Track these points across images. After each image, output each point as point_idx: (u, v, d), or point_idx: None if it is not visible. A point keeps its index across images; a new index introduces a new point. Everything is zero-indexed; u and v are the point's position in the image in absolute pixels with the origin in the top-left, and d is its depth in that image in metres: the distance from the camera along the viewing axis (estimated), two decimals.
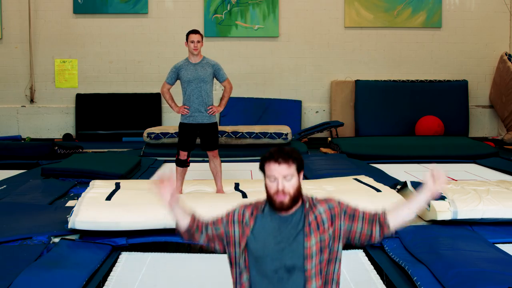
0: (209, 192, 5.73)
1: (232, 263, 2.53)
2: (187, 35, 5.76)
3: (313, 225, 2.44)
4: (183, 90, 5.77)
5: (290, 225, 2.43)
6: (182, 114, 5.79)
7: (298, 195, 2.42)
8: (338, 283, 2.54)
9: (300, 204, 2.45)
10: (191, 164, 6.25)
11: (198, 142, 5.90)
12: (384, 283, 3.91)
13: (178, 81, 5.89)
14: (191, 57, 5.76)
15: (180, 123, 5.85)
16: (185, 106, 5.74)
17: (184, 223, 2.58)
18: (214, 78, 5.85)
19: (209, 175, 6.45)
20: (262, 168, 2.45)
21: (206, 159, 8.17)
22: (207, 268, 4.18)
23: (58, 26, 12.53)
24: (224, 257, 4.41)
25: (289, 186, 2.38)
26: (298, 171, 2.42)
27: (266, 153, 2.43)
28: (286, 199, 2.38)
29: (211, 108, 5.75)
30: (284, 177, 2.38)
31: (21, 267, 3.86)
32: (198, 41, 5.70)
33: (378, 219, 2.58)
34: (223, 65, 6.09)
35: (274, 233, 2.43)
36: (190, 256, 4.50)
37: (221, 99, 6.00)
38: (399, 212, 2.62)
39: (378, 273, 4.10)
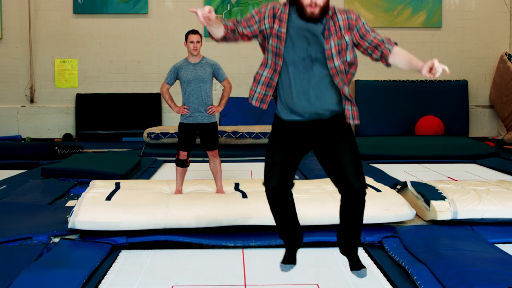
0: (209, 192, 5.73)
1: (267, 51, 2.99)
2: (186, 35, 5.77)
3: (332, 30, 2.88)
4: (182, 90, 5.78)
5: (315, 27, 2.86)
6: (181, 114, 5.80)
7: (327, 7, 2.80)
8: (349, 83, 3.10)
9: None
10: (191, 164, 6.25)
11: (198, 142, 5.90)
12: (384, 281, 3.91)
13: (178, 81, 5.90)
14: (191, 57, 5.77)
15: (180, 123, 5.86)
16: (185, 106, 5.75)
17: (220, 33, 2.93)
18: (214, 78, 5.87)
19: (209, 175, 6.45)
20: None
21: (206, 159, 8.17)
22: (208, 264, 4.18)
23: (58, 26, 12.54)
24: (226, 252, 4.43)
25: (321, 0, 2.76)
26: None
27: None
28: (316, 11, 2.77)
29: (211, 108, 5.76)
30: None
31: (21, 267, 3.86)
32: (198, 41, 5.72)
33: (381, 50, 3.03)
34: (223, 65, 6.10)
35: (303, 32, 2.86)
36: (191, 252, 4.51)
37: (221, 98, 6.00)
38: (402, 56, 3.00)
39: (378, 269, 4.11)
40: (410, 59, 2.96)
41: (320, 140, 3.09)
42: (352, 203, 3.09)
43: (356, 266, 3.20)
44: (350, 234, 3.20)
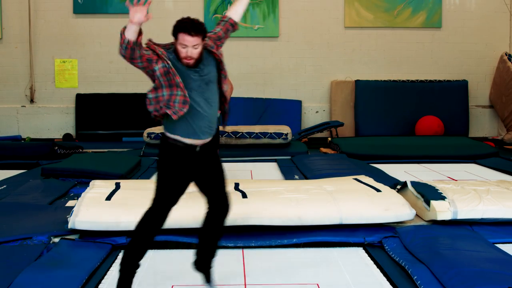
0: None
1: (165, 84, 3.23)
2: None
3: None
4: None
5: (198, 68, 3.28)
6: None
7: (200, 57, 3.23)
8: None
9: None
10: None
11: None
12: (384, 281, 3.91)
13: None
14: None
15: None
16: None
17: (135, 36, 3.09)
18: None
19: None
20: (175, 35, 3.22)
21: None
22: None
23: (58, 26, 12.54)
24: (226, 253, 4.42)
25: (196, 52, 3.18)
26: (203, 39, 3.20)
27: (180, 23, 3.19)
28: (191, 62, 3.21)
29: None
30: (193, 46, 3.17)
31: (21, 267, 3.86)
32: None
33: (230, 24, 3.66)
34: None
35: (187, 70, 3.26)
36: (191, 252, 4.49)
37: None
38: (237, 8, 3.70)
39: (377, 270, 4.10)
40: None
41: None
42: (223, 218, 3.54)
43: (210, 279, 3.62)
44: (213, 249, 3.62)
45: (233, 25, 3.66)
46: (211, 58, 3.37)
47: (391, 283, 3.81)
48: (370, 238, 4.65)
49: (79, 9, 12.46)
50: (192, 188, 5.88)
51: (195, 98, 3.25)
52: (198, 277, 3.77)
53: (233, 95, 9.71)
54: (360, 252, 4.48)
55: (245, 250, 4.49)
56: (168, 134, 3.33)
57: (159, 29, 12.64)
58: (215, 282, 3.58)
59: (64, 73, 12.65)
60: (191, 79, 3.24)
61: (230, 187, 5.76)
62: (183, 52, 3.18)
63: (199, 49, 3.19)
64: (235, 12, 3.68)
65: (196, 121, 3.28)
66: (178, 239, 4.61)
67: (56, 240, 4.54)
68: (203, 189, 3.49)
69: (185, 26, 3.15)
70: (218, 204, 3.48)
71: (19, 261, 4.00)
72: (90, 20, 12.56)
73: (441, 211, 4.93)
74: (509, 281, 3.44)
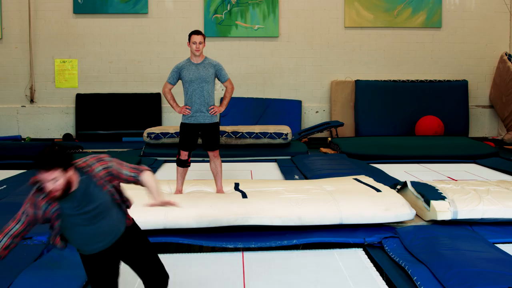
0: (209, 192, 5.72)
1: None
2: (190, 35, 5.73)
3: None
4: (184, 90, 5.76)
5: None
6: (183, 114, 5.79)
7: (68, 186, 2.88)
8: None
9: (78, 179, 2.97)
10: (191, 164, 6.24)
11: (199, 142, 5.89)
12: (384, 282, 3.91)
13: (179, 82, 5.88)
14: (193, 58, 5.75)
15: (182, 123, 5.84)
16: (187, 106, 5.73)
17: None
18: (216, 79, 5.85)
19: (209, 175, 6.44)
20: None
21: (205, 159, 8.17)
22: (208, 268, 4.18)
23: (58, 26, 12.54)
24: (226, 256, 4.42)
25: (58, 185, 2.83)
26: (66, 169, 2.86)
27: (37, 160, 2.84)
28: (58, 194, 2.85)
29: (213, 108, 5.75)
30: (50, 180, 2.82)
31: (21, 267, 3.87)
32: (200, 42, 5.68)
33: (135, 180, 3.23)
34: (223, 65, 6.09)
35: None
36: (191, 256, 4.50)
37: (223, 99, 5.99)
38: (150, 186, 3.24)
39: (377, 271, 4.10)
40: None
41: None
42: None
43: None
44: None
45: (136, 183, 3.30)
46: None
47: (391, 284, 3.81)
48: (370, 238, 4.65)
49: (79, 9, 12.47)
50: (191, 187, 5.90)
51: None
52: (198, 281, 3.77)
53: (233, 95, 9.72)
54: (360, 253, 4.47)
55: (245, 253, 4.48)
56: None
57: (159, 29, 12.69)
58: None
59: (64, 73, 12.65)
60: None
61: (230, 187, 5.79)
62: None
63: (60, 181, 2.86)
64: (146, 185, 3.28)
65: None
66: (178, 240, 4.61)
67: None
68: (135, 270, 3.34)
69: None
70: (152, 282, 3.32)
71: (19, 261, 4.00)
72: (90, 20, 12.56)
73: (441, 211, 4.93)
74: (509, 281, 3.44)
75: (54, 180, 2.84)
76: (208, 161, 6.04)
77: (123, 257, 3.25)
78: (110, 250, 3.15)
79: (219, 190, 5.79)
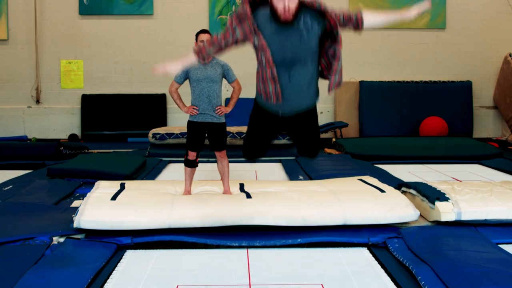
0: (215, 193, 5.75)
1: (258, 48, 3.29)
2: (197, 35, 5.75)
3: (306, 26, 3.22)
4: (192, 89, 5.78)
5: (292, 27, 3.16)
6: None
7: (297, 11, 3.12)
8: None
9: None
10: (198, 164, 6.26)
11: (207, 142, 5.91)
12: (388, 281, 3.92)
13: (186, 82, 5.90)
14: None
15: (189, 121, 5.83)
16: (194, 106, 5.74)
17: (193, 59, 3.40)
18: (224, 79, 5.87)
19: (215, 175, 6.47)
20: None
21: (211, 159, 8.21)
22: (213, 264, 4.21)
23: (63, 27, 12.60)
24: (231, 252, 4.45)
25: (293, 5, 3.06)
26: None
27: None
28: (290, 16, 3.07)
29: (219, 108, 5.76)
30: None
31: (22, 267, 3.88)
32: None
33: (355, 16, 3.30)
34: None
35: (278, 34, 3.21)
36: (196, 252, 4.53)
37: (230, 99, 6.02)
38: (375, 15, 3.37)
39: (381, 271, 4.12)
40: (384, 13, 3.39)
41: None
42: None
43: None
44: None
45: (358, 22, 3.36)
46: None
47: (395, 283, 3.83)
48: (374, 238, 4.67)
49: (84, 10, 12.52)
50: (199, 188, 5.93)
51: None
52: (203, 277, 3.80)
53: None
54: (364, 252, 4.50)
55: (250, 250, 4.51)
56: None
57: (164, 31, 12.73)
58: None
59: (69, 74, 12.70)
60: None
61: (235, 188, 5.82)
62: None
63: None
64: (371, 15, 3.38)
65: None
66: (183, 238, 4.64)
67: (62, 240, 4.58)
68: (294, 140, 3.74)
69: None
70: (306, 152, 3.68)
71: (21, 262, 4.02)
72: (96, 21, 12.61)
73: (445, 212, 4.94)
74: None
75: None
76: (213, 161, 6.06)
77: (291, 130, 3.61)
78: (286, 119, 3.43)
79: (226, 191, 5.80)
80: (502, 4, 12.85)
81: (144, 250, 4.51)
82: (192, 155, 5.82)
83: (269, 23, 3.21)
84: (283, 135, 9.76)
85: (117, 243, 4.50)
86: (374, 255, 4.41)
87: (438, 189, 5.35)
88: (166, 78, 12.25)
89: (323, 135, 12.06)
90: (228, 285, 3.80)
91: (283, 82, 3.28)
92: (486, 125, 13.14)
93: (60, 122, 12.74)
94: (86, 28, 12.63)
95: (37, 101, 12.68)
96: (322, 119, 12.76)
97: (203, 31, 5.75)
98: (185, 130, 7.92)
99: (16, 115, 12.68)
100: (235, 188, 5.84)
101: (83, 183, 7.07)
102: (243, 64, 12.63)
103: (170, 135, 9.81)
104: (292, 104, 3.23)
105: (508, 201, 5.08)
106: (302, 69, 3.25)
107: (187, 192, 5.78)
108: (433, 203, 5.07)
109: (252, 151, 3.98)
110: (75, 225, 4.67)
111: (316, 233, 4.75)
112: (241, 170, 8.19)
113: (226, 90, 10.72)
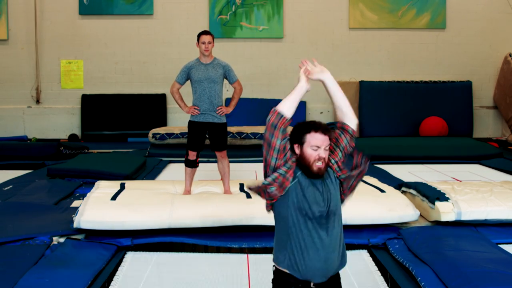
0: (214, 193, 5.75)
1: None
2: (198, 36, 5.76)
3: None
4: (193, 90, 5.78)
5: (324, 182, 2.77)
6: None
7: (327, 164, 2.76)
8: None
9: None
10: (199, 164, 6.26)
11: (207, 142, 5.91)
12: (388, 285, 3.93)
13: (187, 82, 5.90)
14: (202, 58, 5.78)
15: (190, 121, 5.83)
16: (195, 107, 5.74)
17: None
18: (225, 79, 5.88)
19: (215, 175, 6.47)
20: (299, 137, 2.78)
21: (211, 159, 8.20)
22: (212, 268, 4.21)
23: (64, 27, 12.59)
24: (231, 256, 4.44)
25: (326, 154, 2.73)
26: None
27: (304, 124, 2.82)
28: (323, 166, 2.71)
29: (220, 108, 5.77)
30: (324, 147, 2.71)
31: (22, 267, 3.89)
32: (209, 42, 5.72)
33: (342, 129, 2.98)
34: None
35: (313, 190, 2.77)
36: (195, 255, 4.53)
37: (231, 100, 6.03)
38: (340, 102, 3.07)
39: (382, 273, 4.12)
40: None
41: None
42: None
43: None
44: None
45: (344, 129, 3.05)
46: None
47: (395, 284, 3.83)
48: (374, 239, 4.66)
49: (84, 10, 12.51)
50: (199, 188, 5.93)
51: None
52: (203, 280, 3.80)
53: None
54: (364, 254, 4.49)
55: (250, 254, 4.51)
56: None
57: (164, 31, 12.72)
58: None
59: (69, 74, 12.70)
60: None
61: (235, 188, 5.82)
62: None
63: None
64: (341, 112, 3.11)
65: None
66: (183, 240, 4.64)
67: (62, 240, 4.57)
68: None
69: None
70: None
71: (21, 262, 4.03)
72: (96, 21, 12.60)
73: (445, 212, 4.94)
74: None
75: (327, 147, 2.74)
76: (214, 161, 6.06)
77: None
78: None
79: (227, 191, 5.81)
80: (502, 4, 12.84)
81: (144, 252, 4.49)
82: (192, 155, 5.83)
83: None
84: None
85: (117, 244, 4.50)
86: (374, 257, 4.41)
87: (438, 189, 5.34)
88: (166, 78, 12.27)
89: None
90: None
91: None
92: (486, 125, 13.13)
93: (60, 122, 12.73)
94: (86, 28, 12.62)
95: (37, 101, 12.68)
96: (322, 119, 12.74)
97: (204, 32, 5.76)
98: (185, 130, 7.93)
99: (16, 115, 12.67)
100: (235, 188, 5.84)
101: (83, 183, 7.07)
102: (242, 64, 12.63)
103: (170, 135, 9.81)
104: (327, 267, 2.69)
105: (508, 201, 5.08)
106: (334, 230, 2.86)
107: (187, 192, 5.78)
108: (433, 203, 5.07)
109: None
110: (75, 225, 4.67)
111: None
112: (241, 170, 8.18)
113: (226, 91, 10.71)
